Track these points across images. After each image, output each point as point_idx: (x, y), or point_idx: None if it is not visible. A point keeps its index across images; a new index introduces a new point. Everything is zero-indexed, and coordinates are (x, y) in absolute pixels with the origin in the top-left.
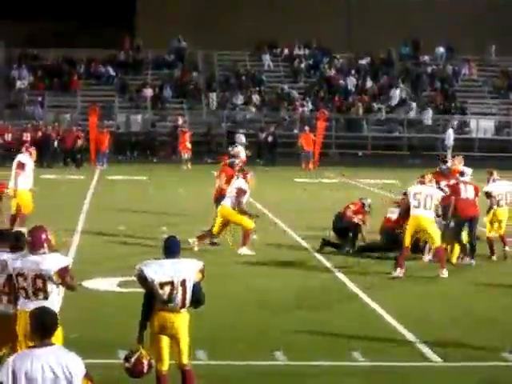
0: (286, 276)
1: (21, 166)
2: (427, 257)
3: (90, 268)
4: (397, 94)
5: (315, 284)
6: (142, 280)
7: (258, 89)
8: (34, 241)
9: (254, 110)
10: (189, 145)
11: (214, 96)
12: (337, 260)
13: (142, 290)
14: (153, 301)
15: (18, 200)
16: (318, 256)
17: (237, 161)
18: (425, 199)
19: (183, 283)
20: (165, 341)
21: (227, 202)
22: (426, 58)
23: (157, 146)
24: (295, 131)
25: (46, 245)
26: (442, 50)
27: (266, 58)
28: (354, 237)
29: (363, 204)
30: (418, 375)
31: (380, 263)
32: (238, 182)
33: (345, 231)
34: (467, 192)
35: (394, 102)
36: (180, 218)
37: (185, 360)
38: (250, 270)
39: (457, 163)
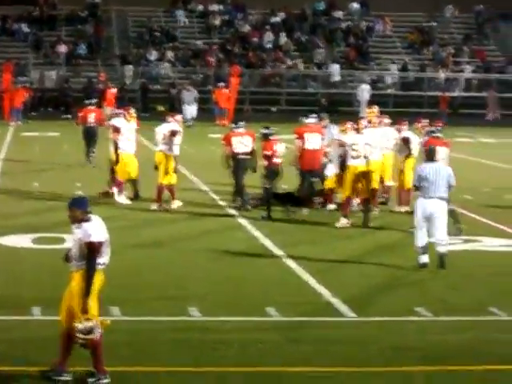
0: (200, 232)
1: (116, 130)
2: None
3: (5, 224)
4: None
5: (231, 240)
6: (100, 246)
7: (171, 45)
8: None
9: (168, 66)
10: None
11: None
12: (252, 215)
13: (56, 247)
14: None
15: (120, 164)
16: (232, 211)
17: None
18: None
19: (106, 239)
20: None
21: (160, 148)
22: (340, 13)
23: (70, 102)
24: (209, 87)
25: None
26: (356, 5)
27: (180, 14)
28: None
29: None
30: (333, 330)
31: (296, 219)
32: (170, 125)
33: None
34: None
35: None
36: (94, 174)
37: None
38: (163, 225)
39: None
